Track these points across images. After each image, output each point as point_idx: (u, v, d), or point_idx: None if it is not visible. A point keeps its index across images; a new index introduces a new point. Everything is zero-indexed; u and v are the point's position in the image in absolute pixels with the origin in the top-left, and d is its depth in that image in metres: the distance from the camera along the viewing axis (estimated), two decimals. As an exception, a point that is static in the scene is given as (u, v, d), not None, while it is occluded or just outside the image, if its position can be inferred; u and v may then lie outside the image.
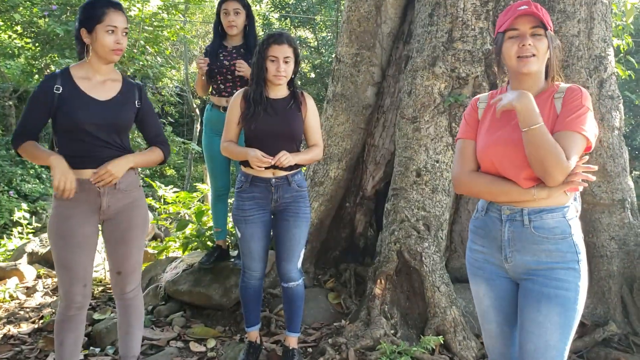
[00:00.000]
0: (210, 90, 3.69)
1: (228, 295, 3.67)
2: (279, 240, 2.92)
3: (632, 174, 11.66)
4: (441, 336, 3.17)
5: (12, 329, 3.67)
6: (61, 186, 2.27)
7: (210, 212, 4.70)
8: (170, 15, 10.46)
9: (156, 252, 5.51)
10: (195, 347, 3.32)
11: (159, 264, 4.49)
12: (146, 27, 9.70)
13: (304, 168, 4.28)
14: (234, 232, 3.36)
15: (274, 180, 2.83)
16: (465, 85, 3.65)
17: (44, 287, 4.78)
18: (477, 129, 1.99)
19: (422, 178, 3.59)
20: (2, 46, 9.91)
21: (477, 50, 3.61)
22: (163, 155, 2.63)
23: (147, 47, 9.85)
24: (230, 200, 3.75)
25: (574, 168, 1.72)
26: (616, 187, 3.63)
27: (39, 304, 4.30)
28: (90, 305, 4.01)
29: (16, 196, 10.37)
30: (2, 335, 3.56)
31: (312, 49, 15.64)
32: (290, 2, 14.92)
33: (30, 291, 4.65)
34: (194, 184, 9.97)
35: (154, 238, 7.91)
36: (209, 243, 4.38)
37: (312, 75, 15.51)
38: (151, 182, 6.54)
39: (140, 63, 9.48)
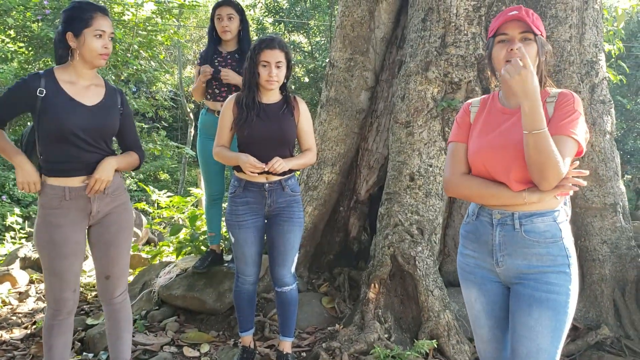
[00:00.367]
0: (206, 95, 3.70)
1: (222, 299, 3.67)
2: (273, 245, 2.93)
3: (624, 178, 11.73)
4: (435, 340, 3.18)
5: (5, 335, 3.65)
6: (25, 189, 2.32)
7: (204, 216, 4.70)
8: (164, 20, 10.44)
9: (150, 256, 5.49)
10: (189, 352, 3.31)
11: (152, 268, 4.48)
12: (140, 32, 9.68)
13: (298, 172, 4.29)
14: (227, 236, 3.36)
15: (267, 185, 2.83)
16: (458, 90, 3.67)
17: (36, 292, 4.75)
18: (468, 132, 2.00)
19: (415, 182, 3.61)
20: (-5, 50, 9.86)
21: (470, 55, 3.63)
22: (139, 160, 2.64)
23: (141, 51, 9.82)
24: (224, 205, 3.76)
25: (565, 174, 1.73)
26: (608, 191, 3.65)
27: (31, 310, 4.28)
28: (83, 310, 4.02)
29: (9, 201, 10.32)
30: (-6, 341, 3.54)
31: (306, 54, 15.66)
32: (284, 7, 14.94)
33: (22, 296, 4.62)
34: (188, 189, 9.95)
35: (148, 242, 7.89)
36: (202, 248, 4.37)
37: (306, 79, 15.53)
38: (145, 187, 6.52)
39: (134, 67, 9.46)
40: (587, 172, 1.78)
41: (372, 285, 3.44)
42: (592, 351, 3.37)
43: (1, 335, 3.63)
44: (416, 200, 3.58)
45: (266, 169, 2.71)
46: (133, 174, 13.09)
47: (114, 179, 2.48)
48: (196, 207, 6.91)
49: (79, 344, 3.43)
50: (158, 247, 5.84)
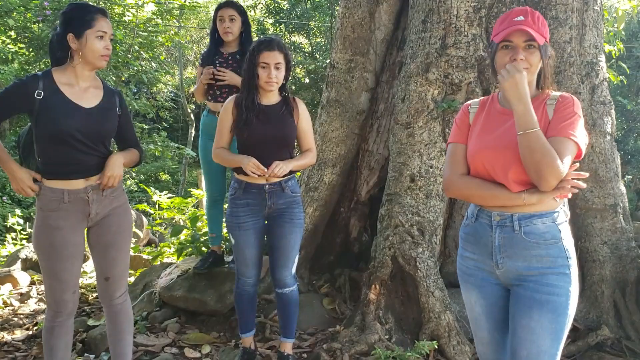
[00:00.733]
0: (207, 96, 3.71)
1: (223, 301, 3.67)
2: (274, 247, 2.93)
3: (624, 179, 11.73)
4: (435, 341, 3.18)
5: (6, 336, 3.65)
6: (23, 194, 2.35)
7: (204, 217, 4.70)
8: (164, 21, 10.47)
9: (151, 257, 5.50)
10: (190, 353, 3.32)
11: (153, 269, 4.48)
12: (140, 33, 9.70)
13: (298, 173, 4.29)
14: (228, 237, 3.37)
15: (267, 186, 2.83)
16: (458, 91, 3.68)
17: (37, 294, 4.76)
18: (468, 133, 2.01)
19: (416, 183, 3.61)
20: (-4, 51, 9.88)
21: (470, 57, 3.64)
22: (139, 158, 2.67)
23: (142, 52, 9.84)
24: (225, 206, 3.76)
25: (565, 175, 1.74)
26: (608, 192, 3.66)
27: (32, 311, 4.28)
28: (84, 311, 4.02)
29: (10, 202, 10.33)
30: (-5, 342, 3.55)
31: (307, 55, 15.67)
32: (285, 8, 14.95)
33: (24, 298, 4.63)
34: (189, 189, 9.96)
35: (149, 244, 7.90)
36: (203, 249, 4.38)
37: (307, 80, 15.53)
38: (146, 188, 6.53)
39: (135, 68, 9.48)
40: (586, 175, 1.79)
41: (373, 286, 3.44)
42: (592, 352, 3.37)
43: (2, 337, 3.63)
44: (417, 201, 3.59)
45: (267, 176, 2.72)
46: (134, 174, 13.09)
47: None
48: (197, 208, 6.91)
49: (80, 345, 3.44)
50: (159, 248, 5.85)
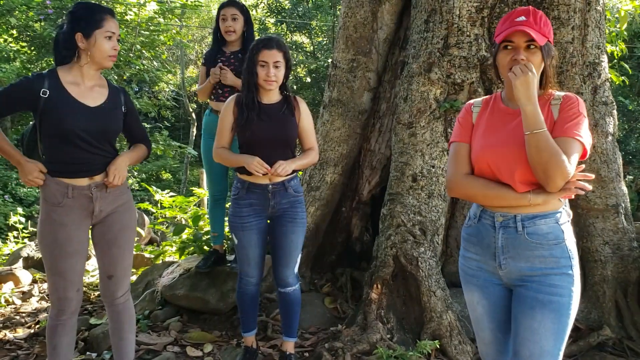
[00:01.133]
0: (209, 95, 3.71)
1: (225, 299, 3.68)
2: (276, 246, 2.93)
3: (626, 179, 11.72)
4: (437, 340, 3.18)
5: (8, 334, 3.66)
6: (32, 185, 2.37)
7: (206, 216, 4.71)
8: (166, 20, 10.47)
9: (153, 256, 5.51)
10: (192, 351, 3.32)
11: (155, 268, 4.49)
12: (142, 32, 9.70)
13: (300, 172, 4.29)
14: (230, 236, 3.38)
15: (270, 186, 2.83)
16: (460, 91, 3.68)
17: (39, 292, 4.77)
18: (471, 132, 2.00)
19: (418, 183, 3.62)
20: (-2, 50, 9.89)
21: (473, 57, 3.64)
22: (148, 151, 2.69)
23: (144, 51, 9.85)
24: (227, 205, 3.77)
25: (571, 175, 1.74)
26: (610, 192, 3.66)
27: (34, 309, 4.29)
28: (86, 310, 4.03)
29: (11, 200, 10.35)
30: (-2, 341, 3.56)
31: (308, 54, 15.67)
32: (287, 7, 14.96)
33: (26, 296, 4.64)
34: (190, 188, 9.97)
35: (150, 242, 7.90)
36: (205, 247, 4.38)
37: (308, 79, 15.54)
38: (148, 187, 6.53)
39: (137, 67, 9.48)
40: (592, 176, 1.79)
41: (375, 285, 3.45)
42: (594, 352, 3.37)
43: (5, 335, 3.64)
44: (419, 201, 3.59)
45: (270, 174, 2.72)
46: (135, 173, 13.11)
47: None
48: (198, 207, 6.92)
49: (83, 343, 3.45)
50: (161, 246, 5.85)
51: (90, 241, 2.56)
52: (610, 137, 3.70)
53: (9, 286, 4.77)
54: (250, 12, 3.78)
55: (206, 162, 3.72)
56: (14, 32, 9.51)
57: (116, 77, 9.09)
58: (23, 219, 8.62)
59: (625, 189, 3.78)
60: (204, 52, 3.84)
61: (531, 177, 1.79)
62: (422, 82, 3.70)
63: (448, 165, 2.03)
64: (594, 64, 3.71)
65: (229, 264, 3.87)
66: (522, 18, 1.82)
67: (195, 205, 6.41)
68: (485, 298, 1.97)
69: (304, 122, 2.93)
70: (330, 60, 4.44)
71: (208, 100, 3.74)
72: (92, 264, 5.29)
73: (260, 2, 15.38)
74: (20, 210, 9.10)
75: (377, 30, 4.25)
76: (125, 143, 9.49)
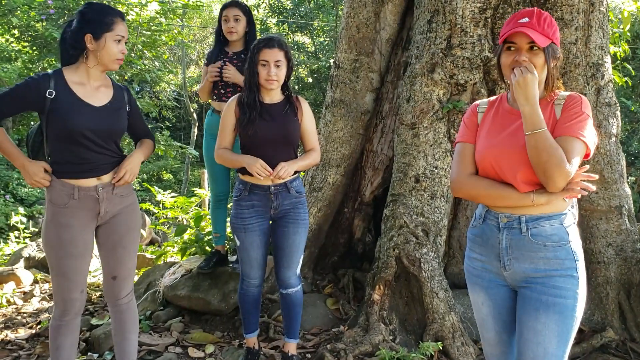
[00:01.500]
0: (211, 95, 3.71)
1: (227, 300, 3.67)
2: (278, 247, 2.92)
3: (628, 180, 11.69)
4: (440, 342, 3.17)
5: (10, 334, 3.66)
6: (38, 186, 2.37)
7: (208, 217, 4.70)
8: (168, 20, 10.46)
9: (154, 257, 5.50)
10: (193, 352, 3.32)
11: (157, 269, 4.49)
12: (144, 32, 9.70)
13: (302, 173, 4.29)
14: (232, 237, 3.37)
15: (272, 187, 2.82)
16: (463, 91, 3.67)
17: (41, 292, 4.77)
18: (476, 133, 2.00)
19: (420, 184, 3.61)
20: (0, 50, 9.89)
21: (476, 57, 3.63)
22: (153, 145, 2.73)
23: (145, 51, 9.85)
24: (229, 206, 3.76)
25: (574, 176, 1.73)
26: (613, 193, 3.65)
27: (36, 309, 4.29)
28: (88, 310, 4.02)
29: (12, 200, 10.35)
30: (-1, 341, 3.55)
31: (310, 54, 15.67)
32: (288, 7, 14.96)
33: (27, 296, 4.64)
34: (191, 189, 9.97)
35: (151, 243, 7.90)
36: (207, 248, 4.37)
37: (310, 80, 15.54)
38: (150, 187, 6.53)
39: (138, 67, 9.49)
40: (596, 177, 1.78)
41: (377, 286, 3.44)
42: (597, 354, 3.36)
43: (6, 335, 3.64)
44: (421, 202, 3.58)
45: (272, 177, 2.71)
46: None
47: None
48: (200, 207, 6.91)
49: (84, 344, 3.45)
50: (162, 247, 5.85)
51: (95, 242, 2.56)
52: (613, 138, 3.69)
53: (10, 286, 4.77)
54: (252, 12, 3.77)
55: (208, 163, 3.72)
56: (16, 32, 9.51)
57: (117, 77, 9.09)
58: (24, 219, 8.63)
59: (628, 190, 3.78)
60: (206, 52, 3.83)
61: (534, 178, 1.79)
62: (425, 82, 3.69)
63: (453, 165, 2.03)
64: (598, 65, 3.70)
65: (231, 265, 3.86)
66: (525, 19, 1.81)
67: (196, 205, 6.40)
68: (490, 299, 1.97)
69: (306, 123, 2.92)
70: (332, 61, 4.43)
71: (210, 101, 3.74)
72: (93, 264, 5.28)
73: (262, 2, 15.38)
74: (21, 210, 9.11)
75: (379, 30, 4.24)
76: (126, 143, 9.52)
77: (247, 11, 3.60)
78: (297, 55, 15.37)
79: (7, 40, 10.00)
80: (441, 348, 3.17)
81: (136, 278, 4.60)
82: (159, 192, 6.23)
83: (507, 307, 1.95)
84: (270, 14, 15.20)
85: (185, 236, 4.93)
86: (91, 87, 2.40)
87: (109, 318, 3.74)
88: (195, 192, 6.62)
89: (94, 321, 3.75)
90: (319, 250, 4.34)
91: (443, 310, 3.30)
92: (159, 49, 10.39)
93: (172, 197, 6.29)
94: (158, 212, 6.20)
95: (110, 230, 2.50)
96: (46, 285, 5.00)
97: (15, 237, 7.98)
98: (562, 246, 1.81)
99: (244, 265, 2.96)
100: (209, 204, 6.07)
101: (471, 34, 3.65)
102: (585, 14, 3.70)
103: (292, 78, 2.94)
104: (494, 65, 2.01)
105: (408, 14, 4.27)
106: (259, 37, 3.03)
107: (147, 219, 8.04)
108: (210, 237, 4.29)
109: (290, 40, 15.46)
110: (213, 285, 3.74)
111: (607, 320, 3.56)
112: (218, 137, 2.90)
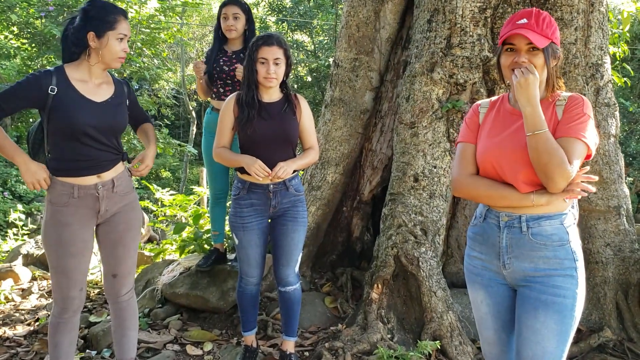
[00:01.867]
0: (210, 93, 3.70)
1: (225, 298, 3.67)
2: (277, 245, 2.92)
3: (626, 181, 11.72)
4: (438, 341, 3.18)
5: (8, 331, 3.65)
6: (36, 188, 2.34)
7: (207, 215, 4.70)
8: (167, 18, 10.45)
9: (153, 254, 5.50)
10: (192, 350, 3.32)
11: (155, 266, 4.49)
12: (143, 29, 9.69)
13: (301, 172, 4.29)
14: (231, 235, 3.37)
15: (271, 186, 2.82)
16: (463, 91, 3.67)
17: (39, 289, 4.76)
18: (477, 133, 2.00)
19: (419, 183, 3.61)
20: (-1, 46, 9.87)
21: (475, 57, 3.63)
22: (153, 126, 2.81)
23: (144, 49, 9.84)
24: (228, 204, 3.76)
25: (574, 177, 1.73)
26: (612, 194, 3.65)
27: (34, 306, 4.28)
28: (86, 307, 4.02)
29: (11, 197, 10.34)
30: (-3, 338, 3.55)
31: (309, 53, 15.66)
32: (288, 6, 14.94)
33: (25, 293, 4.63)
34: (190, 187, 9.96)
35: (150, 240, 7.90)
36: (206, 246, 4.38)
37: (309, 78, 15.53)
38: (148, 185, 6.53)
39: (137, 65, 9.47)
40: (596, 178, 1.79)
41: (375, 285, 3.44)
42: (594, 354, 3.36)
43: (4, 332, 3.64)
44: (420, 201, 3.59)
45: (271, 177, 2.70)
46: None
47: (123, 178, 2.49)
48: (198, 205, 6.91)
49: (82, 341, 3.45)
50: (161, 245, 5.85)
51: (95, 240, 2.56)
52: (612, 139, 3.70)
53: (8, 283, 4.77)
54: (252, 10, 3.77)
55: (207, 161, 3.72)
56: (15, 28, 9.50)
57: (117, 75, 9.09)
58: (23, 216, 8.62)
59: (627, 190, 3.78)
60: (205, 50, 3.83)
61: (535, 178, 1.79)
62: (424, 82, 3.70)
63: (453, 165, 2.03)
64: (597, 65, 3.71)
65: (230, 263, 3.87)
66: (524, 20, 1.82)
67: (195, 203, 6.40)
68: (490, 297, 1.97)
69: (305, 121, 2.91)
70: (331, 60, 4.43)
71: (209, 99, 3.73)
72: (91, 262, 5.27)
73: (262, 1, 15.36)
74: (20, 207, 9.10)
75: (379, 29, 4.25)
76: (125, 140, 9.51)
77: (246, 9, 3.60)
78: (296, 54, 15.36)
79: (6, 37, 9.99)
80: (439, 347, 3.17)
81: (135, 275, 4.60)
82: (158, 190, 6.23)
83: (506, 305, 1.96)
84: (270, 12, 15.18)
85: (184, 234, 4.93)
86: (93, 84, 2.41)
87: (107, 315, 3.75)
88: (194, 190, 6.62)
89: (92, 318, 3.75)
90: (318, 249, 4.35)
91: (441, 309, 3.31)
92: (158, 46, 10.37)
93: (171, 195, 6.29)
94: (157, 210, 6.20)
95: (109, 228, 2.50)
96: (44, 283, 4.99)
97: (14, 234, 7.98)
98: (562, 246, 1.82)
99: (242, 263, 2.96)
100: (207, 202, 6.08)
101: (471, 33, 3.65)
102: (585, 14, 3.70)
103: (291, 77, 2.93)
104: (494, 65, 2.02)
105: (408, 13, 4.27)
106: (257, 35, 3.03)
107: (146, 216, 8.04)
108: (209, 235, 4.29)
109: (289, 38, 15.45)
110: (211, 283, 3.74)
111: (604, 320, 3.57)
112: (216, 136, 2.89)
